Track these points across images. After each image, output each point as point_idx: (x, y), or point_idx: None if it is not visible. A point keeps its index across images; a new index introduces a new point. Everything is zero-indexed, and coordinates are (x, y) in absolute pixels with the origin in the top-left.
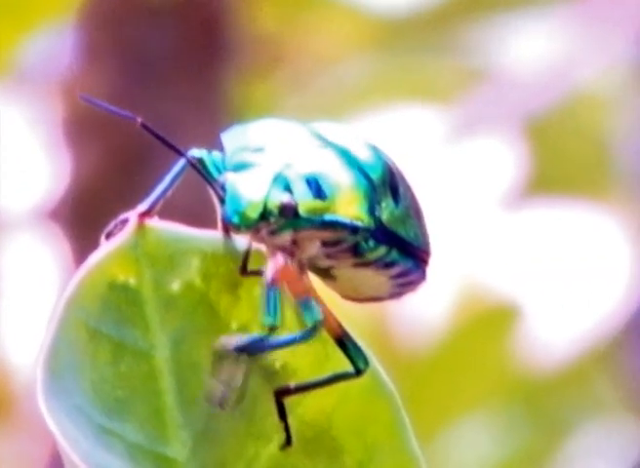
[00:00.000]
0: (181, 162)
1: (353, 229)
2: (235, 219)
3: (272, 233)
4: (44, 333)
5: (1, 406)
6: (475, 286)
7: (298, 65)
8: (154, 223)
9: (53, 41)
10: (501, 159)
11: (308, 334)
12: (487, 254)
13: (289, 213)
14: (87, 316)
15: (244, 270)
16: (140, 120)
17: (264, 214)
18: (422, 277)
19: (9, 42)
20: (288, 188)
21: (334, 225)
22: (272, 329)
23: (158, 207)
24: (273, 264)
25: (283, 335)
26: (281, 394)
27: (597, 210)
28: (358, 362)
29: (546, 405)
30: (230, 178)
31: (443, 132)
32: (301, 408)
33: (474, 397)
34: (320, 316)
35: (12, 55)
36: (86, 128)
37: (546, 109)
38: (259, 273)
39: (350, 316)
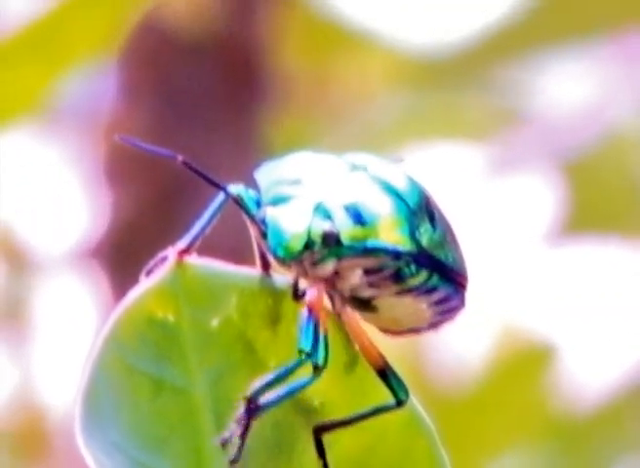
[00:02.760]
0: (220, 198)
1: (396, 254)
2: (280, 252)
3: (315, 264)
4: (82, 370)
5: (38, 444)
6: (513, 324)
7: (333, 104)
8: (193, 260)
9: (92, 79)
10: (538, 197)
11: (312, 379)
12: (524, 293)
13: (331, 241)
14: (125, 352)
15: (296, 296)
16: (180, 158)
17: (308, 245)
18: (462, 303)
19: (47, 80)
20: (328, 217)
21: (376, 251)
22: (307, 355)
23: (197, 244)
24: (312, 294)
25: (293, 381)
26: (320, 431)
27: (634, 248)
28: (399, 393)
29: (583, 444)
30: (270, 212)
31: (480, 170)
32: (340, 444)
33: (511, 436)
34: (324, 363)
35: (51, 93)
36: (125, 166)
37: (582, 148)
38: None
39: (387, 355)
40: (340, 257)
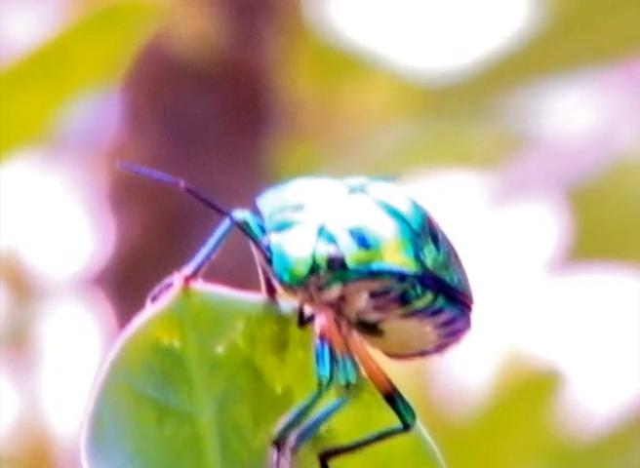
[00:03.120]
0: (225, 224)
1: (401, 276)
2: (286, 277)
3: (321, 288)
4: (88, 397)
5: None
6: (518, 351)
7: (339, 131)
8: (199, 286)
9: (96, 107)
10: (543, 225)
11: (344, 400)
12: (529, 320)
13: (336, 265)
14: (131, 379)
15: (301, 322)
16: (182, 184)
17: (313, 269)
18: (468, 325)
19: (50, 108)
20: (333, 241)
21: (381, 274)
22: (327, 381)
23: (203, 270)
24: (321, 319)
25: (324, 406)
26: (326, 457)
27: (639, 275)
28: (406, 417)
29: None
30: (274, 238)
31: (484, 198)
32: None
33: (516, 462)
34: (354, 378)
35: (55, 120)
36: (129, 192)
37: (588, 175)
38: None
39: (392, 380)
40: (345, 281)
